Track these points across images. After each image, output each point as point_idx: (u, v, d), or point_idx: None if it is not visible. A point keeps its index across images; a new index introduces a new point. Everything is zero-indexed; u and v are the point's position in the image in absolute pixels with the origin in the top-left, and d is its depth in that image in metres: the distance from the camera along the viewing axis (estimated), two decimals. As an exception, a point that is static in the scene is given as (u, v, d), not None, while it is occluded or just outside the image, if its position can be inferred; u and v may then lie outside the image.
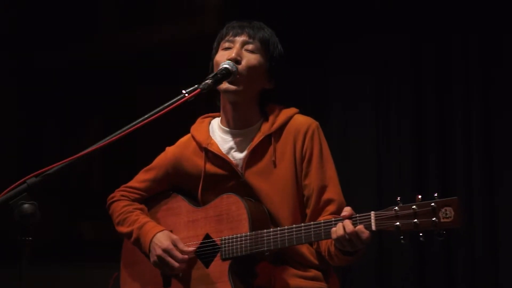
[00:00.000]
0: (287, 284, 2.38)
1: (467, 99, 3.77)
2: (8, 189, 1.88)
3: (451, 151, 3.81)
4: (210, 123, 2.61)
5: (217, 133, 2.55)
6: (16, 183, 1.88)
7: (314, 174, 2.42)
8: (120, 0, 5.27)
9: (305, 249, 2.43)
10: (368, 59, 4.06)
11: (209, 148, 2.49)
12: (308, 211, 2.43)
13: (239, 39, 2.46)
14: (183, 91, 2.13)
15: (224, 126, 2.54)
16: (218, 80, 2.28)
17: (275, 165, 2.44)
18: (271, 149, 2.45)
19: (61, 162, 1.95)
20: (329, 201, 2.41)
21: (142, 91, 4.97)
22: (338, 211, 2.34)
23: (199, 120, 2.65)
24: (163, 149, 2.65)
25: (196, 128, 2.60)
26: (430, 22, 3.90)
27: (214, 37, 2.56)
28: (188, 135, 2.61)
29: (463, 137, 3.76)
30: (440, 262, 3.73)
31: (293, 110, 2.54)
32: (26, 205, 1.85)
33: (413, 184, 3.85)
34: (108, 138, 2.00)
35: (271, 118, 2.49)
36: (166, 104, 2.09)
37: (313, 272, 2.43)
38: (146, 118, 2.04)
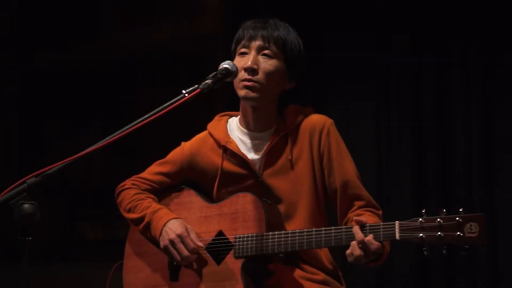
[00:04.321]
0: (295, 286, 2.36)
1: (467, 97, 3.78)
2: (8, 189, 1.87)
3: (451, 151, 3.81)
4: (227, 121, 2.60)
5: (236, 133, 2.54)
6: (16, 183, 1.88)
7: (336, 171, 2.42)
8: (120, 0, 5.27)
9: (321, 252, 2.42)
10: (368, 59, 4.07)
11: (228, 146, 2.48)
12: (337, 208, 2.43)
13: (254, 44, 2.43)
14: (183, 91, 2.12)
15: (243, 128, 2.53)
16: (218, 80, 2.25)
17: (292, 165, 2.43)
18: (287, 148, 2.44)
19: (61, 162, 1.95)
20: (356, 196, 2.42)
21: (142, 91, 4.97)
22: (367, 205, 2.39)
23: (216, 118, 2.64)
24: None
25: (213, 126, 2.59)
26: (430, 20, 3.92)
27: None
28: (205, 132, 2.59)
29: (462, 136, 3.77)
30: (440, 261, 3.73)
31: (308, 109, 2.53)
32: (26, 205, 1.85)
33: (413, 184, 3.85)
34: (108, 138, 2.00)
35: (287, 118, 2.49)
36: (166, 104, 2.08)
37: (322, 276, 2.41)
38: (146, 118, 2.04)
